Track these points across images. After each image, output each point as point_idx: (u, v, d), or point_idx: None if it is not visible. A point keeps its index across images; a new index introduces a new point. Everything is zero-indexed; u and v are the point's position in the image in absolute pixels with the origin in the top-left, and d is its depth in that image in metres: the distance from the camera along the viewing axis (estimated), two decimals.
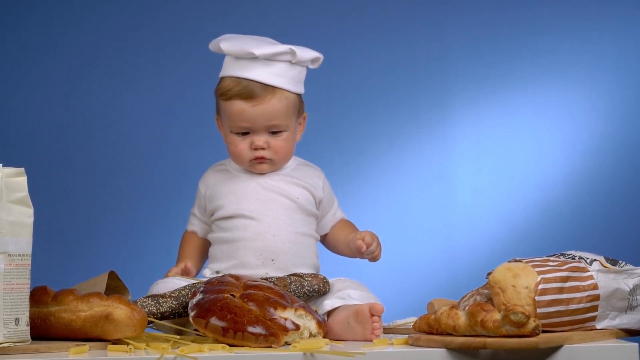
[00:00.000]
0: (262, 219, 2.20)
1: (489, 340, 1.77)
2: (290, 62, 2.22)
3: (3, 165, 1.79)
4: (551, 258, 1.97)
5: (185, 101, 3.44)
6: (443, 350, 1.78)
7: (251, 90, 2.19)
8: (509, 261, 1.95)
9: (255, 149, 2.22)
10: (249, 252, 2.19)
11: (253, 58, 2.19)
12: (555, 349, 1.78)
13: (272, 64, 2.21)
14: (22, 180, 1.81)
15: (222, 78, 2.24)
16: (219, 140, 2.33)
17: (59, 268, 3.25)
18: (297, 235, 2.21)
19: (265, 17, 3.46)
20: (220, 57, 2.29)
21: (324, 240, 2.32)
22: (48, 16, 3.46)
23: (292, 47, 2.21)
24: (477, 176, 3.46)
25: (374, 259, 2.23)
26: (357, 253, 2.21)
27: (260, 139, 2.21)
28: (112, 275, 2.10)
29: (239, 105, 2.20)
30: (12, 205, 1.78)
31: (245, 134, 2.22)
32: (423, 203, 3.46)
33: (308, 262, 2.22)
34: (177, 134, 3.44)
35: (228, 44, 2.22)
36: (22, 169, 1.81)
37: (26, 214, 1.80)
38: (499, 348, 1.76)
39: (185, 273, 2.19)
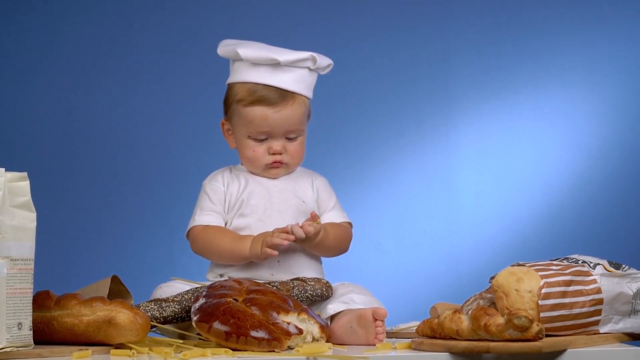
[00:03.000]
0: (271, 221, 2.19)
1: (492, 344, 1.77)
2: (309, 68, 2.22)
3: (6, 170, 1.79)
4: (554, 262, 1.97)
5: (187, 106, 3.44)
6: (446, 354, 1.78)
7: (274, 96, 2.19)
8: (512, 265, 1.95)
9: (273, 154, 2.23)
10: None
11: (274, 64, 2.20)
12: (558, 353, 1.78)
13: (292, 70, 2.21)
14: (25, 184, 1.80)
15: (235, 84, 2.23)
16: (221, 145, 2.33)
17: (61, 272, 3.25)
18: None
19: (266, 18, 3.46)
20: (223, 62, 2.28)
21: None
22: (50, 20, 3.46)
23: (313, 53, 2.22)
24: (480, 180, 3.46)
25: (306, 234, 2.14)
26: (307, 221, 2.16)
27: (278, 144, 2.22)
28: (115, 280, 2.10)
29: (261, 111, 2.20)
30: (14, 210, 1.78)
31: (263, 139, 2.23)
32: (426, 207, 3.46)
33: (313, 265, 2.22)
34: (179, 138, 3.44)
35: (247, 50, 2.21)
36: (25, 174, 1.81)
37: (29, 219, 1.80)
38: (502, 352, 1.76)
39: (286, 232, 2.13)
